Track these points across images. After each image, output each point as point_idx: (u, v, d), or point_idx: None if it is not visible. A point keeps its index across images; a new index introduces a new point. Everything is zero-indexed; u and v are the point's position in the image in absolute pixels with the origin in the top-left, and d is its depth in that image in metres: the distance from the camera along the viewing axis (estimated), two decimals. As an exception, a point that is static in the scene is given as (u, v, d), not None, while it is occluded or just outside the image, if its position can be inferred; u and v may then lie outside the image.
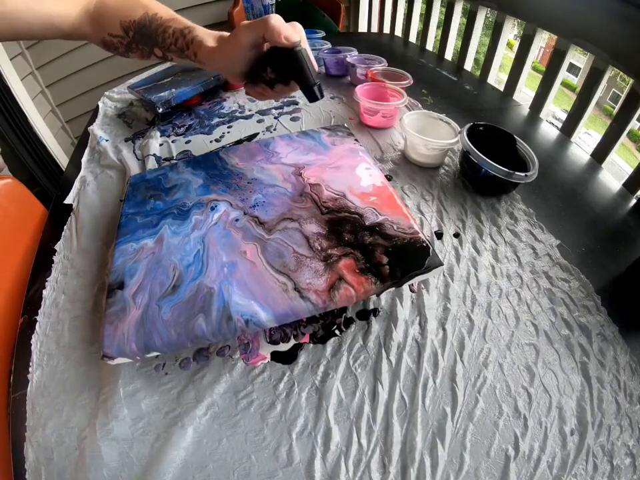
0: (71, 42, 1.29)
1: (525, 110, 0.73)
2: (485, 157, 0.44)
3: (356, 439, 0.29)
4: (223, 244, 0.32)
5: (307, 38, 0.80)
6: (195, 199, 0.37)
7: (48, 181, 1.41)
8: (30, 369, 0.36)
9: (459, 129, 0.49)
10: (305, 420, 0.29)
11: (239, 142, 0.56)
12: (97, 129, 0.70)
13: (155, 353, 0.29)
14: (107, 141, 0.66)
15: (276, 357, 0.32)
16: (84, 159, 0.64)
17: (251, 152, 0.42)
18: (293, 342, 0.32)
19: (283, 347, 0.32)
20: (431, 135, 0.48)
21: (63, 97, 1.42)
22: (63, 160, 1.47)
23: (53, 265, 0.46)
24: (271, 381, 0.31)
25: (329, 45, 0.75)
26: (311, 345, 0.33)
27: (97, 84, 1.38)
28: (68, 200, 0.56)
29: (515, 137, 0.49)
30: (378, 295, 0.32)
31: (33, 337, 0.38)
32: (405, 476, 0.27)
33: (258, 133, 0.58)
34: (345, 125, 0.48)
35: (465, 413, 0.30)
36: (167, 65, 0.92)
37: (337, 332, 0.33)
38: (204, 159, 0.43)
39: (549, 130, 0.67)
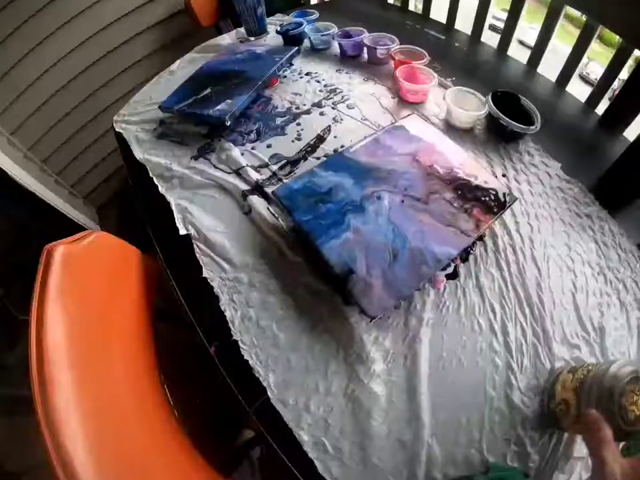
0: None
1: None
2: (510, 120, 0.61)
3: (505, 306, 0.48)
4: (404, 218, 0.47)
5: (307, 22, 0.86)
6: (358, 194, 0.49)
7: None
8: (260, 376, 0.43)
9: (484, 99, 0.65)
10: (477, 302, 0.48)
11: (320, 138, 0.64)
12: (149, 157, 0.68)
13: (403, 300, 0.44)
14: (170, 164, 0.65)
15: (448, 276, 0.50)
16: (162, 190, 0.63)
17: (369, 149, 0.54)
18: (452, 265, 0.50)
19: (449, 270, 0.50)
20: (463, 104, 0.64)
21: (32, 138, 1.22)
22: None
23: (214, 290, 0.50)
24: (451, 289, 0.49)
25: (335, 28, 0.81)
26: (462, 264, 0.51)
27: (62, 113, 1.21)
28: (182, 231, 0.56)
29: (520, 96, 0.66)
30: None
31: (244, 352, 0.44)
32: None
33: (330, 126, 0.66)
34: (415, 113, 0.61)
35: (545, 275, 0.51)
36: (166, 73, 0.88)
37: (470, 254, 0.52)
38: (335, 162, 0.53)
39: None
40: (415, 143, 0.56)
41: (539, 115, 0.64)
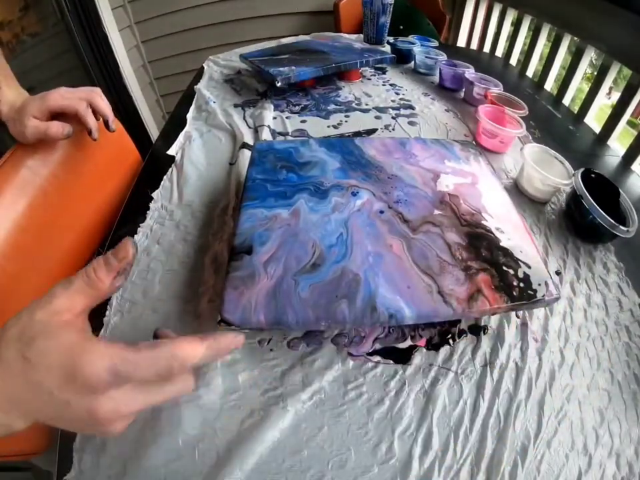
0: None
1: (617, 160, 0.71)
2: (596, 205, 0.44)
3: (452, 446, 0.30)
4: (367, 233, 0.33)
5: (421, 45, 0.82)
6: (332, 180, 0.38)
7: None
8: (107, 313, 0.35)
9: (573, 172, 0.49)
10: (409, 420, 0.30)
11: (358, 134, 0.57)
12: (203, 89, 0.72)
13: (283, 329, 0.29)
14: (214, 102, 0.68)
15: (390, 353, 0.33)
16: (189, 115, 0.65)
17: (387, 147, 0.43)
18: (409, 343, 0.33)
19: (400, 343, 0.33)
20: (545, 170, 0.48)
21: (155, 54, 1.46)
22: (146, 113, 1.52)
23: (148, 212, 0.46)
24: (383, 377, 0.31)
25: (444, 57, 0.75)
26: (424, 349, 0.34)
27: (192, 48, 1.41)
28: (171, 151, 0.56)
29: (621, 191, 0.49)
30: (502, 313, 0.33)
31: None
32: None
33: (377, 129, 0.58)
34: (474, 142, 0.48)
35: (545, 440, 0.31)
36: (275, 42, 0.93)
37: (451, 341, 0.34)
38: (338, 142, 0.44)
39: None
40: (449, 165, 0.42)
41: (636, 220, 0.45)
